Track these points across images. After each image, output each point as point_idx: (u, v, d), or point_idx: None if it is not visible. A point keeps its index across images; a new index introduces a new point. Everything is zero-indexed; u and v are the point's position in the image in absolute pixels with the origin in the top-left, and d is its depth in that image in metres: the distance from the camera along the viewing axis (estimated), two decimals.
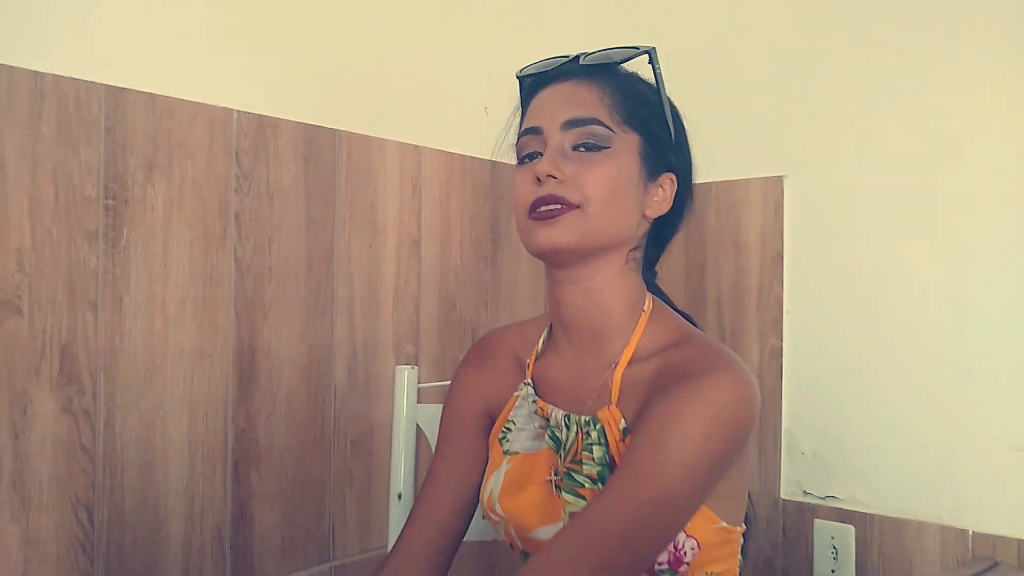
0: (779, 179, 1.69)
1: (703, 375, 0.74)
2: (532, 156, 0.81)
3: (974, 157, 1.43)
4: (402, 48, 1.36)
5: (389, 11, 1.34)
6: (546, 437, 0.84)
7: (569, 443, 0.81)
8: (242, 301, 1.14)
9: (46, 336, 0.95)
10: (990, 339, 1.41)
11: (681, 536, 0.76)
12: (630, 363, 0.80)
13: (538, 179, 0.77)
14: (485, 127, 1.29)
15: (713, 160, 1.76)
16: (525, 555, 0.85)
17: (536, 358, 0.89)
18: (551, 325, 0.89)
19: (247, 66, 1.16)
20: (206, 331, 1.10)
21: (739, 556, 0.83)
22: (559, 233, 0.76)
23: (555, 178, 0.77)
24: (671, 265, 1.84)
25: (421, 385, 1.10)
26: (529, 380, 0.88)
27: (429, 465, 0.92)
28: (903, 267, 1.51)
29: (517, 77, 0.87)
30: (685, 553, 0.76)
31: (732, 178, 1.76)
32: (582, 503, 0.78)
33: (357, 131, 1.28)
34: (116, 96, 1.01)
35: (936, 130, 1.48)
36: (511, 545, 0.86)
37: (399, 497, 1.04)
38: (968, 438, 1.42)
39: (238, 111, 1.14)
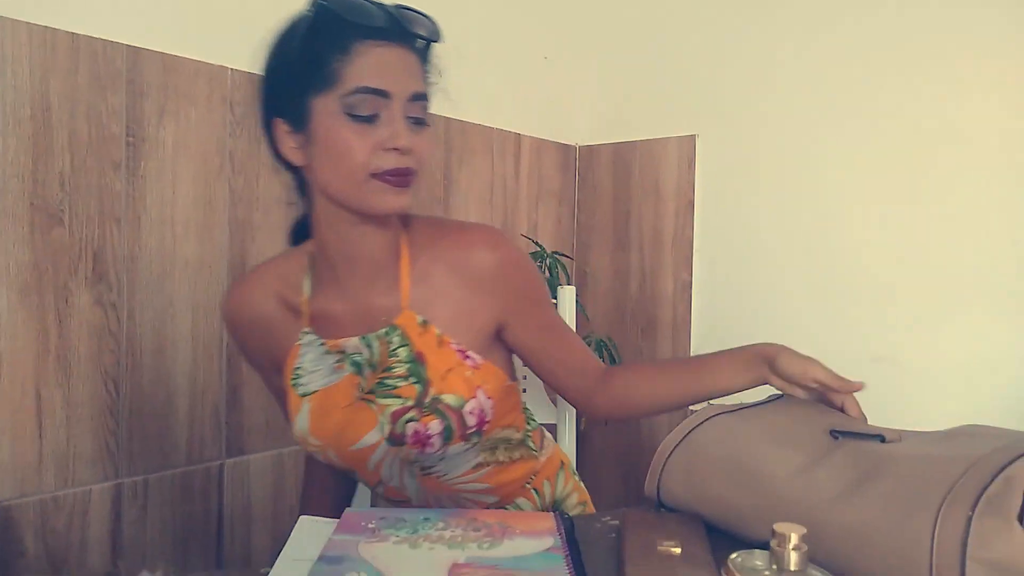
0: (692, 137, 1.97)
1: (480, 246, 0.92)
2: (371, 118, 0.82)
3: (851, 125, 1.73)
4: None
5: None
6: (347, 366, 0.91)
7: (376, 358, 0.90)
8: (235, 223, 1.40)
9: (82, 243, 1.20)
10: (855, 272, 1.72)
11: (482, 398, 0.89)
12: (411, 272, 0.91)
13: (385, 148, 0.82)
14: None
15: (637, 121, 2.06)
16: (349, 472, 0.95)
17: (308, 300, 0.93)
18: (312, 265, 0.94)
19: (239, 28, 1.40)
20: (206, 246, 1.36)
21: (523, 407, 1.02)
22: (407, 199, 0.84)
23: (404, 150, 0.82)
24: (601, 214, 2.13)
25: None
26: (308, 328, 0.93)
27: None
28: (792, 213, 1.81)
29: (320, 3, 0.83)
30: (487, 413, 0.89)
31: (653, 137, 2.03)
32: (399, 401, 0.87)
33: None
34: (134, 54, 1.26)
35: (822, 97, 1.77)
36: (330, 464, 0.95)
37: None
38: (841, 352, 1.73)
39: (232, 69, 1.38)
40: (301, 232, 0.98)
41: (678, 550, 0.65)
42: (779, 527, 0.56)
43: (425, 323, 0.90)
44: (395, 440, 0.88)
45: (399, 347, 0.89)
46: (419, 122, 0.85)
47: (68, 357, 1.20)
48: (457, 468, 0.94)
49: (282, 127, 0.86)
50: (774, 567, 0.55)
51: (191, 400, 1.35)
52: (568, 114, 2.13)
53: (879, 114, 1.67)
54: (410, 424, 0.88)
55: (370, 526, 0.72)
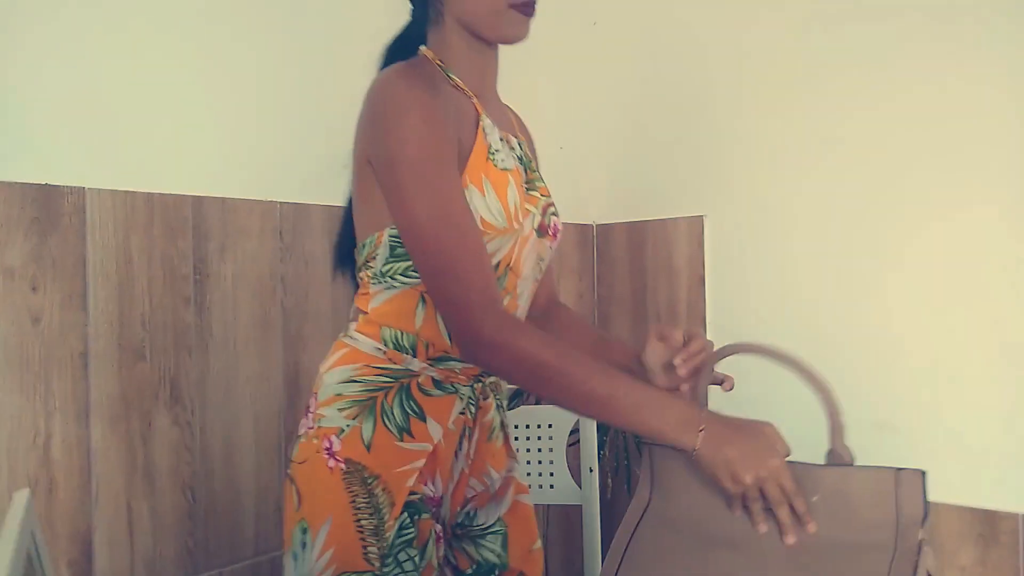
0: (700, 218, 2.12)
1: None
2: None
3: (850, 205, 1.88)
4: None
5: None
6: (514, 157, 1.07)
7: (526, 158, 1.10)
8: (288, 338, 1.58)
9: (161, 373, 1.40)
10: (862, 340, 1.85)
11: None
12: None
13: None
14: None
15: (649, 203, 2.22)
16: (507, 271, 1.01)
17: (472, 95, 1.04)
18: (445, 73, 1.03)
19: (283, 165, 1.59)
20: (264, 361, 1.54)
21: None
22: (529, 28, 1.01)
23: None
24: (619, 287, 2.29)
25: None
26: (485, 113, 1.03)
27: (432, 207, 0.93)
28: (796, 288, 1.95)
29: None
30: None
31: (664, 217, 2.19)
32: (545, 198, 1.09)
33: None
34: (199, 202, 1.45)
35: (822, 175, 1.92)
36: (499, 266, 0.99)
37: None
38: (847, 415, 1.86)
39: (280, 202, 1.57)
40: (397, 51, 1.08)
41: None
42: None
43: (526, 143, 1.14)
44: (542, 231, 1.07)
45: (530, 158, 1.11)
46: None
47: (152, 472, 1.38)
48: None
49: None
50: None
51: (256, 497, 1.53)
52: (584, 197, 2.29)
53: (877, 190, 1.81)
54: (554, 217, 1.09)
55: None
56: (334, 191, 1.64)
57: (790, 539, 0.85)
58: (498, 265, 1.00)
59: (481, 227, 0.96)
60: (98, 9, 1.34)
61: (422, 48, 1.06)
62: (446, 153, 0.95)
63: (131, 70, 1.38)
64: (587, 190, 2.30)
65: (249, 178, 1.54)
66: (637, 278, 2.26)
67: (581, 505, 1.59)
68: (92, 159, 1.33)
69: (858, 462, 0.90)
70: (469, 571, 1.09)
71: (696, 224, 2.13)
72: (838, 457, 0.89)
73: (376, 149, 0.97)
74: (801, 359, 0.92)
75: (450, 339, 0.99)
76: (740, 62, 2.02)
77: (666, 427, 0.88)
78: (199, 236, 1.45)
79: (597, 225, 2.33)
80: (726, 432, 0.87)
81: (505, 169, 1.01)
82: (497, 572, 1.09)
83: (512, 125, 1.14)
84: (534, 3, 0.99)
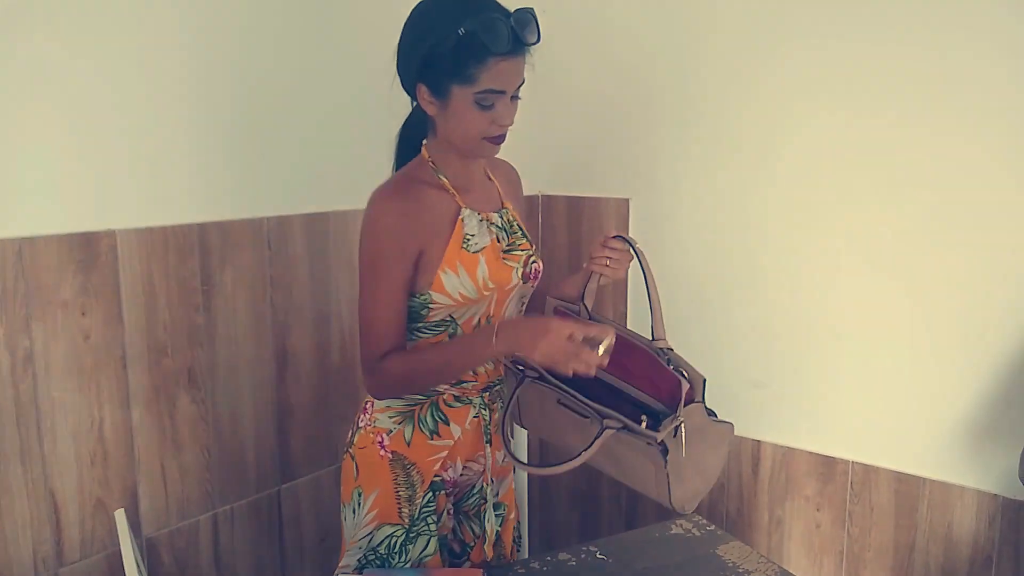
0: (626, 200, 2.48)
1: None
2: (490, 106, 1.28)
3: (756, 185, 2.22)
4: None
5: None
6: (493, 231, 1.39)
7: (505, 226, 1.42)
8: (276, 327, 1.99)
9: (180, 365, 1.81)
10: (743, 307, 2.26)
11: None
12: (494, 178, 1.49)
13: (495, 122, 1.29)
14: None
15: (586, 181, 2.56)
16: (488, 321, 1.40)
17: (451, 186, 1.38)
18: (436, 169, 1.38)
19: (266, 184, 1.94)
20: (259, 347, 1.96)
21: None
22: (498, 150, 1.37)
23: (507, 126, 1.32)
24: (559, 252, 2.67)
25: None
26: (464, 204, 1.37)
27: (368, 292, 1.36)
28: (707, 268, 2.33)
29: (469, 29, 1.22)
30: None
31: (596, 195, 2.54)
32: (526, 252, 1.43)
33: (348, 208, 2.08)
34: (202, 228, 1.82)
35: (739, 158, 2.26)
36: (481, 321, 1.39)
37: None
38: (726, 379, 2.29)
39: (266, 217, 1.94)
40: (408, 142, 1.46)
41: None
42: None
43: (511, 208, 1.48)
44: (525, 278, 1.42)
45: (512, 221, 1.46)
46: (516, 98, 1.32)
47: (178, 439, 1.83)
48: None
49: (423, 89, 1.31)
50: None
51: (257, 451, 1.99)
52: (533, 170, 2.63)
53: (788, 183, 2.17)
54: (533, 264, 1.45)
55: None
56: (309, 200, 2.01)
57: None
58: (479, 320, 1.40)
59: (460, 299, 1.35)
60: (85, 71, 1.66)
61: (424, 145, 1.42)
62: (395, 258, 1.33)
63: (130, 121, 1.71)
64: (535, 163, 2.63)
65: (242, 199, 1.90)
66: (574, 246, 2.63)
67: None
68: (118, 203, 1.68)
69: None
70: (471, 544, 1.55)
71: (623, 205, 2.48)
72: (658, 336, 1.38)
73: (359, 245, 1.38)
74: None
75: None
76: (678, 62, 2.29)
77: (482, 350, 1.32)
78: (204, 255, 1.83)
79: (542, 196, 2.68)
80: (510, 330, 1.30)
81: (477, 251, 1.36)
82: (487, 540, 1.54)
83: (497, 198, 1.47)
84: (503, 136, 1.34)
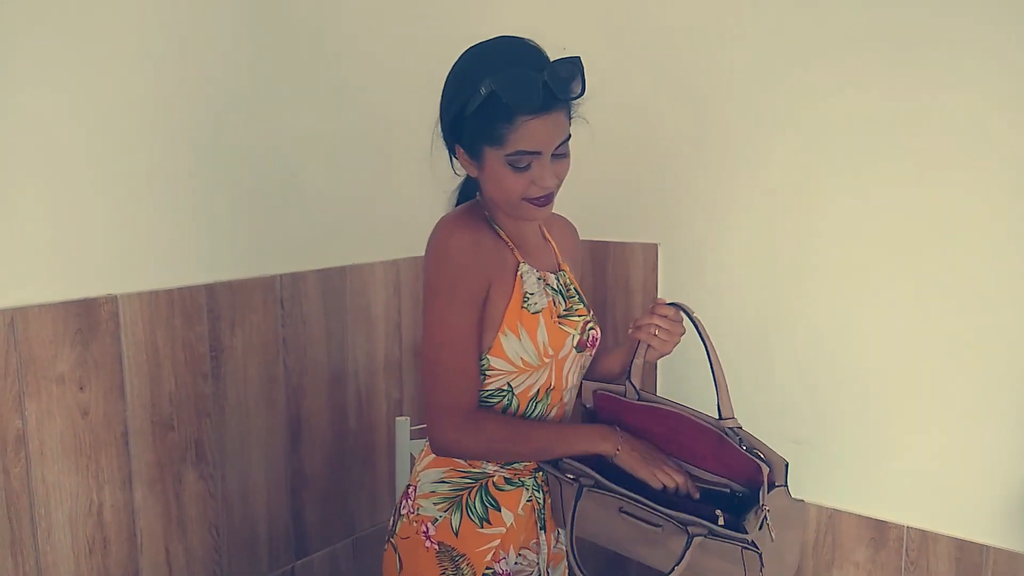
0: (654, 245, 2.36)
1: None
2: (526, 167, 1.16)
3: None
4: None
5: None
6: (549, 292, 1.27)
7: (562, 289, 1.31)
8: (290, 391, 1.84)
9: (187, 438, 1.66)
10: (782, 358, 2.14)
11: None
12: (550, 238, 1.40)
13: (534, 183, 1.17)
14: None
15: (611, 225, 2.44)
16: (548, 392, 1.28)
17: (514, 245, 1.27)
18: (491, 221, 1.27)
19: (281, 241, 1.81)
20: (272, 413, 1.81)
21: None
22: (548, 211, 1.23)
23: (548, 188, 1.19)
24: None
25: (412, 428, 1.83)
26: (522, 259, 1.26)
27: (441, 331, 1.19)
28: (742, 318, 2.21)
29: (493, 90, 1.11)
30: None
31: (623, 240, 2.42)
32: (583, 317, 1.31)
33: (359, 262, 1.94)
34: (211, 289, 1.68)
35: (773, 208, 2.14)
36: (540, 392, 1.27)
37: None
38: (763, 435, 2.16)
39: (280, 275, 1.80)
40: (465, 194, 1.36)
41: None
42: None
43: (568, 271, 1.37)
44: (581, 346, 1.30)
45: (569, 284, 1.35)
46: (560, 156, 1.19)
47: (184, 520, 1.67)
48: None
49: (460, 150, 1.22)
50: None
51: (268, 526, 1.83)
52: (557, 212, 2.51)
53: (808, 229, 2.05)
54: (591, 331, 1.32)
55: None
56: (323, 255, 1.88)
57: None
58: (539, 391, 1.29)
59: (521, 365, 1.24)
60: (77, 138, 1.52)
61: (479, 195, 1.30)
62: (466, 293, 1.19)
63: (131, 177, 1.58)
64: (559, 207, 2.51)
65: (252, 257, 1.76)
66: (598, 292, 2.50)
67: None
68: (119, 265, 1.55)
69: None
70: None
71: (651, 250, 2.36)
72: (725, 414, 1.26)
73: (424, 275, 1.23)
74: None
75: None
76: (708, 103, 2.20)
77: (589, 446, 1.25)
78: (213, 318, 1.69)
79: None
80: (631, 441, 1.26)
81: (537, 312, 1.24)
82: None
83: (554, 259, 1.37)
84: (548, 198, 1.21)
